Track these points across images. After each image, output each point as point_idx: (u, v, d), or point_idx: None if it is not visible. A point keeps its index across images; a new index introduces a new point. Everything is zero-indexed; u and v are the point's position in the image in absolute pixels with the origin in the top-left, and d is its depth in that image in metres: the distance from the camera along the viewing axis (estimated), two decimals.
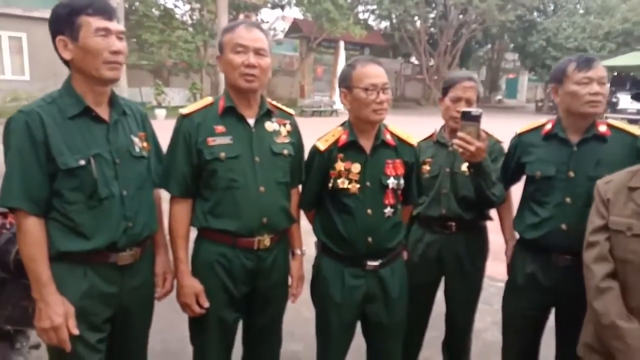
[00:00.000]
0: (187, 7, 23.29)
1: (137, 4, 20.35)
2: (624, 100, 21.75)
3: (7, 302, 1.77)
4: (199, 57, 21.39)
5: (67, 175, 1.53)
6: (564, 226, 1.93)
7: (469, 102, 2.22)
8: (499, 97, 36.96)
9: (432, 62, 29.55)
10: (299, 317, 2.99)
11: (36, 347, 2.53)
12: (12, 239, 1.75)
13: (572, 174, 1.94)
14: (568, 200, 1.94)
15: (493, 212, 2.39)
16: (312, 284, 2.11)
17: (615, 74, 30.13)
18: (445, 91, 2.30)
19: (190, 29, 21.70)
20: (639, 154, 1.92)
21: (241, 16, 22.86)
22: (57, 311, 1.51)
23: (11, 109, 15.47)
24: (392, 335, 2.08)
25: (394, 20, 29.45)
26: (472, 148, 1.89)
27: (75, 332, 1.54)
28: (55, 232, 1.55)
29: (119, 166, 1.63)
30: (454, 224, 2.28)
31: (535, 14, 30.88)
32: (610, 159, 1.91)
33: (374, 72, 1.87)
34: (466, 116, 1.91)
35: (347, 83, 1.91)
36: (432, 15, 29.89)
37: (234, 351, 2.05)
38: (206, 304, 1.83)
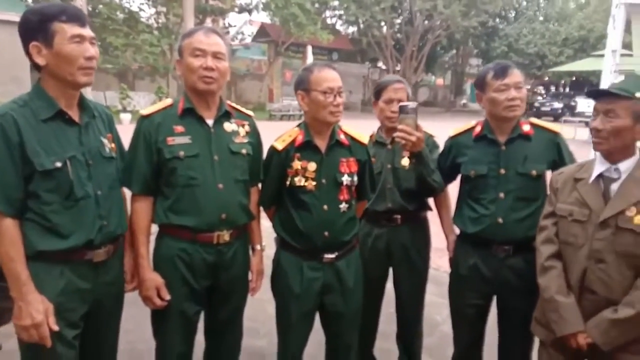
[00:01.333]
0: (153, 10, 23.03)
1: (100, 6, 20.00)
2: (582, 104, 22.66)
3: None
4: (165, 61, 21.15)
5: (43, 177, 1.56)
6: (500, 220, 2.08)
7: (400, 102, 2.36)
8: (463, 101, 37.85)
9: (398, 67, 29.99)
10: (264, 314, 3.07)
11: None
12: None
13: (502, 171, 2.10)
14: (501, 195, 2.09)
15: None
16: (272, 277, 2.19)
17: (574, 78, 31.34)
18: (377, 95, 2.46)
19: (156, 33, 21.43)
20: (559, 148, 2.11)
21: (208, 20, 22.73)
22: (37, 309, 1.54)
23: None
24: (349, 324, 2.19)
25: (361, 26, 29.78)
26: (413, 138, 2.04)
27: (56, 328, 1.58)
28: (32, 232, 1.58)
29: (92, 167, 1.68)
30: (399, 216, 2.42)
31: (497, 20, 31.81)
32: (535, 154, 2.08)
33: (331, 76, 1.98)
34: (403, 110, 2.05)
35: (304, 86, 2.01)
36: (398, 21, 30.32)
37: (197, 345, 2.11)
38: (167, 297, 1.90)
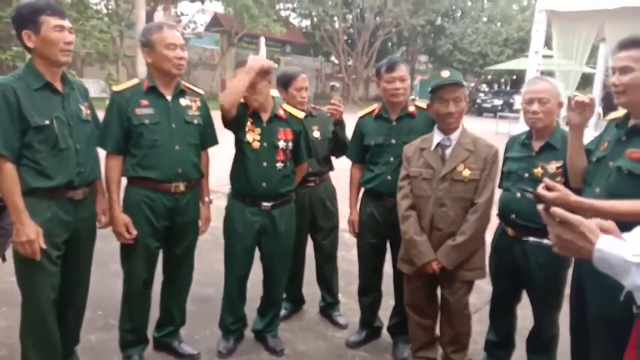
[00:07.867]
0: None
1: None
2: (519, 101, 24.08)
3: None
4: (115, 47, 20.88)
5: (35, 131, 2.06)
6: (389, 177, 2.72)
7: (307, 90, 3.02)
8: (412, 97, 38.78)
9: (350, 62, 30.70)
10: (212, 270, 3.62)
11: None
12: None
13: (393, 141, 2.74)
14: (392, 159, 2.73)
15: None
16: (224, 220, 2.78)
17: (514, 77, 32.98)
18: (286, 85, 3.01)
19: (106, 19, 21.10)
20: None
21: (159, 8, 22.57)
22: (31, 230, 2.03)
23: None
24: (280, 260, 2.81)
25: (314, 20, 30.22)
26: (341, 109, 2.81)
27: (44, 246, 2.08)
28: (26, 173, 2.07)
29: (72, 127, 2.18)
30: (317, 178, 3.08)
31: (444, 19, 33.04)
32: (417, 129, 2.72)
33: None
34: (332, 89, 2.86)
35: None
36: (350, 17, 30.99)
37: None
38: (134, 232, 2.43)
